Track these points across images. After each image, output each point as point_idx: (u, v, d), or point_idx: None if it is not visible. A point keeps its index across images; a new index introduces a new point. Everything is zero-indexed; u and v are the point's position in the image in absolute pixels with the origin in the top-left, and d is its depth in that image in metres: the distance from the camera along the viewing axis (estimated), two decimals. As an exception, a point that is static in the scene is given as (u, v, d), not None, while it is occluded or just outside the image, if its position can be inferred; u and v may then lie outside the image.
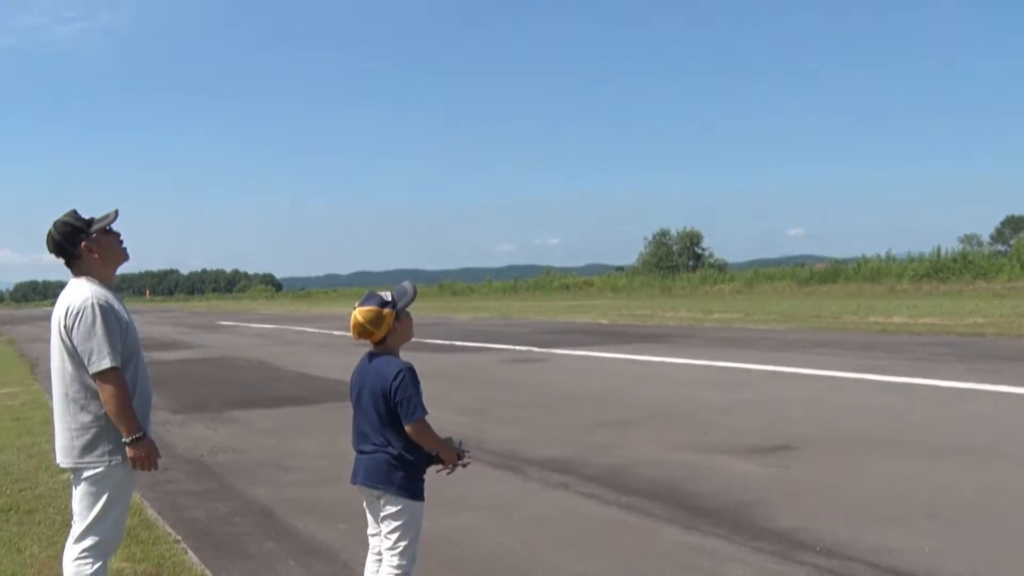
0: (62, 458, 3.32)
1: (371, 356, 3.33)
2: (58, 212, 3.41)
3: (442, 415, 3.30)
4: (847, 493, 5.42)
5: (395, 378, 3.17)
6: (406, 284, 3.38)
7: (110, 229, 3.41)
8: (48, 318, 3.43)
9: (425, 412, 3.20)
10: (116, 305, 3.30)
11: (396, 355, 3.31)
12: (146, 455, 3.27)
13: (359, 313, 3.22)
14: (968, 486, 5.50)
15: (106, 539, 3.29)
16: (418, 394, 3.20)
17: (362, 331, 3.24)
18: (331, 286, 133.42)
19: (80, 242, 3.33)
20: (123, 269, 3.58)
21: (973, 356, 12.42)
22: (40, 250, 3.40)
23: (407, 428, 3.18)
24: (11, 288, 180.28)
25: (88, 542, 3.26)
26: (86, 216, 3.41)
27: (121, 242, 3.46)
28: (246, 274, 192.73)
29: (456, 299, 54.69)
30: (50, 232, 3.34)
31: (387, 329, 3.24)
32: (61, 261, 3.41)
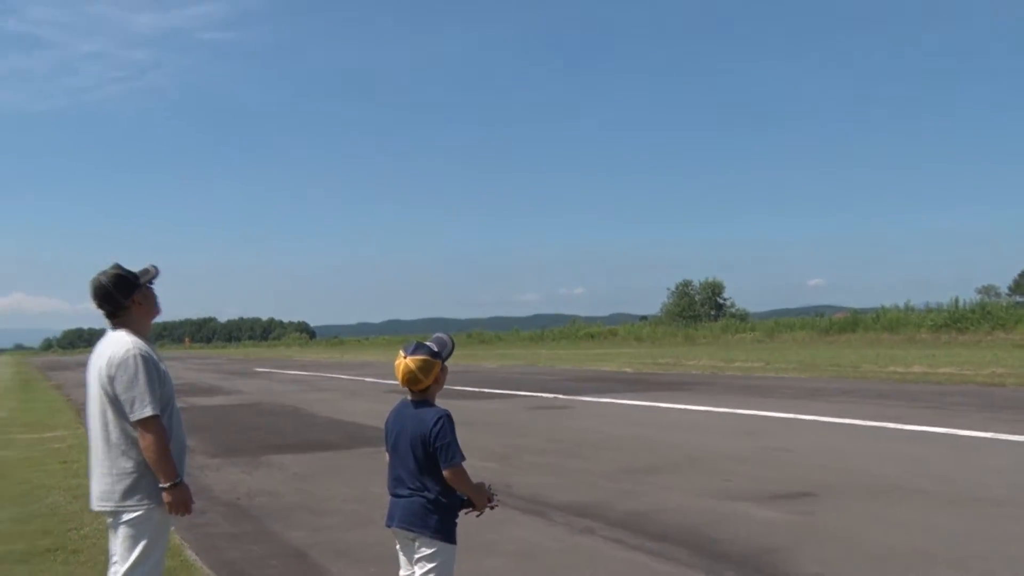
0: (102, 502, 3.42)
1: (412, 403, 3.44)
2: (103, 264, 3.56)
3: (469, 460, 3.45)
4: (870, 541, 5.45)
5: (435, 424, 3.30)
6: (443, 336, 3.50)
7: (151, 284, 3.60)
8: None
9: (463, 458, 3.32)
10: (155, 356, 3.46)
11: (433, 402, 3.44)
12: (182, 500, 3.41)
13: (411, 361, 3.33)
14: (990, 536, 5.51)
15: None
16: (456, 440, 3.32)
17: (412, 379, 3.35)
18: (363, 334, 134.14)
19: (132, 293, 3.49)
20: (163, 317, 3.79)
21: (993, 406, 12.36)
22: (87, 299, 3.50)
23: (445, 473, 3.30)
24: (59, 335, 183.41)
25: None
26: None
27: (156, 296, 3.65)
28: (281, 322, 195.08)
29: (484, 347, 54.74)
30: (100, 283, 3.46)
31: (434, 378, 3.38)
32: (101, 312, 3.52)
